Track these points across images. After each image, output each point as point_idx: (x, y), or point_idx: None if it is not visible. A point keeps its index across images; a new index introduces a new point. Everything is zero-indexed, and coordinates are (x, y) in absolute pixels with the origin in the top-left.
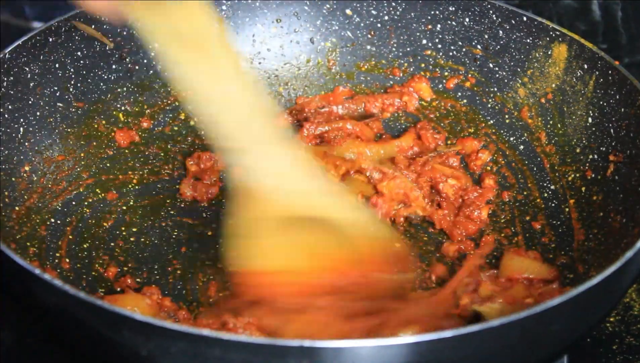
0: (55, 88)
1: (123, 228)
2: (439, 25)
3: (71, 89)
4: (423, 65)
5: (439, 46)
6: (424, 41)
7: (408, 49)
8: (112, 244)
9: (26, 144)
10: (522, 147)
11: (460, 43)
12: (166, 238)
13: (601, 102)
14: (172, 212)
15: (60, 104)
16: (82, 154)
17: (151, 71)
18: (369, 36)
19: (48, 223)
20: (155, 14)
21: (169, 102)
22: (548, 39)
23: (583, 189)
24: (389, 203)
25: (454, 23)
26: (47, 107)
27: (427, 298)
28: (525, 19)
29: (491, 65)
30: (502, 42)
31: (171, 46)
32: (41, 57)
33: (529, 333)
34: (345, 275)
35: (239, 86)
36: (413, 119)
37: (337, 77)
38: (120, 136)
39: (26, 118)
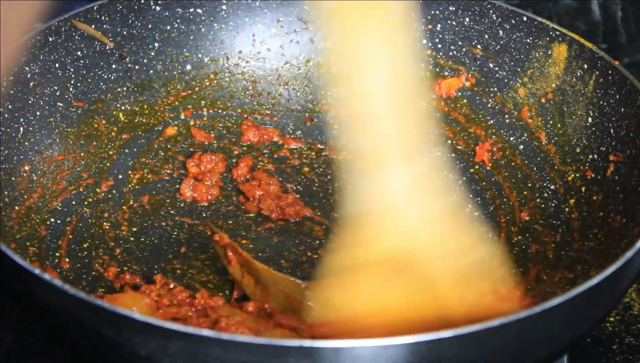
0: (55, 88)
1: (123, 228)
2: (438, 25)
3: (71, 89)
4: (422, 65)
5: (439, 45)
6: (424, 41)
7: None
8: (112, 244)
9: (26, 143)
10: (521, 147)
11: (460, 43)
12: (166, 238)
13: (601, 102)
14: (172, 212)
15: (60, 104)
16: (82, 154)
17: (151, 71)
18: None
19: (48, 222)
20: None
21: (169, 101)
22: (548, 38)
23: (583, 189)
24: None
25: (454, 23)
26: (47, 107)
27: None
28: (525, 18)
29: (491, 65)
30: (502, 42)
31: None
32: (41, 57)
33: (529, 334)
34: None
35: (403, 88)
36: None
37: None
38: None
39: (26, 118)
